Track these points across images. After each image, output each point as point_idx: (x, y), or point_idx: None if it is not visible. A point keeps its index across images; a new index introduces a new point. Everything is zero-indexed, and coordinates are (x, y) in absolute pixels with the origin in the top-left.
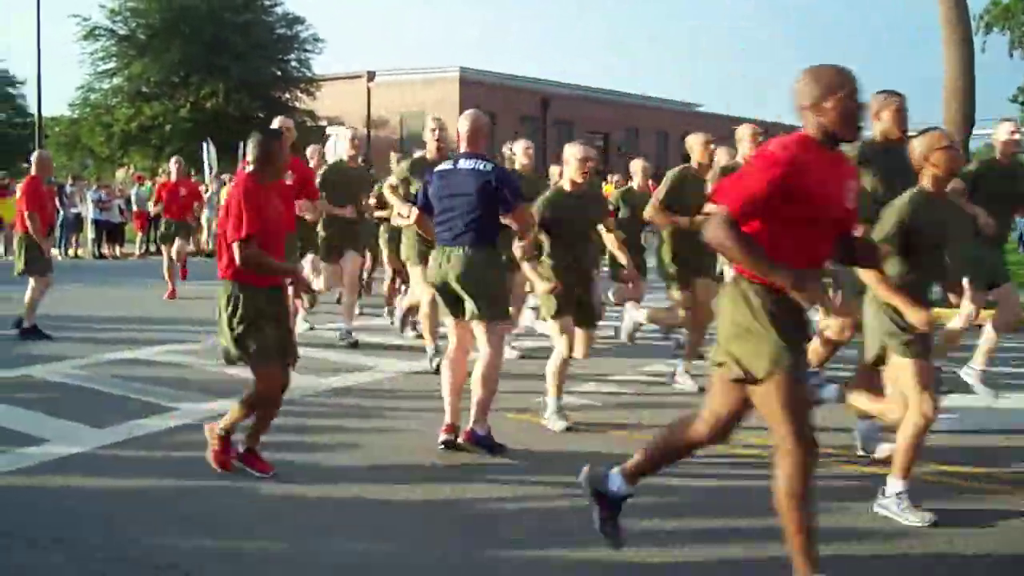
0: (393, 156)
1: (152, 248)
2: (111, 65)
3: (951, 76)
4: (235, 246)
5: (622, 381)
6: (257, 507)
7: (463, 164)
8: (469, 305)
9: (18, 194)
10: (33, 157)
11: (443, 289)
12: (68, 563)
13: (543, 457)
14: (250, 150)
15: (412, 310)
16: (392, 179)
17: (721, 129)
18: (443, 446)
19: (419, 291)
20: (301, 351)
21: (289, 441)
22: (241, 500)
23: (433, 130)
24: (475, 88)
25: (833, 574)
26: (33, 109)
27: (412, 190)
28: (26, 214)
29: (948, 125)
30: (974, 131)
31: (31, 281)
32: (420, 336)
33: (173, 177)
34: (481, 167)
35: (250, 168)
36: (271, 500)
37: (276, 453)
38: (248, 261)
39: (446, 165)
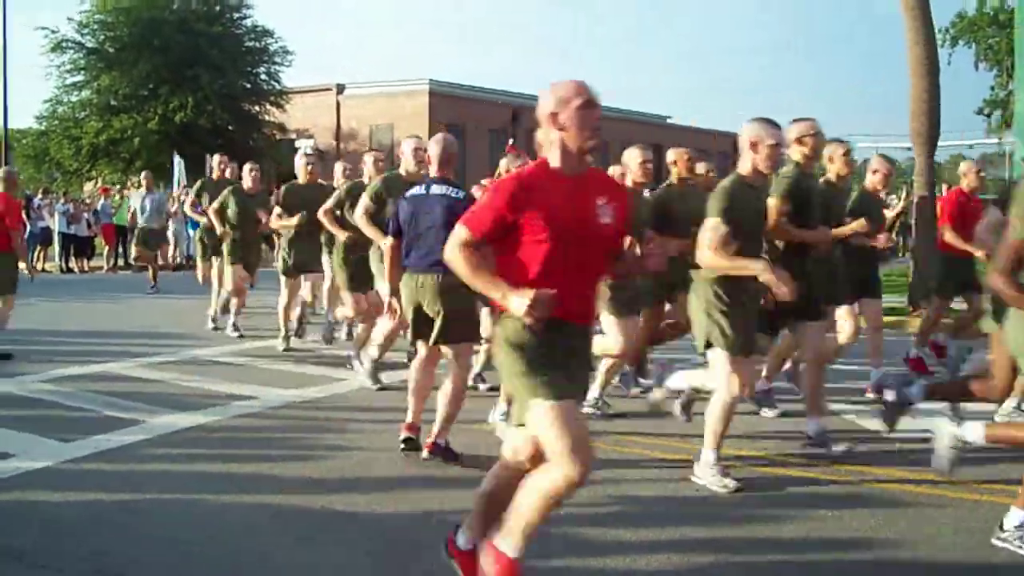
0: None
1: (120, 262)
2: (79, 78)
3: (916, 90)
4: None
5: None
6: (225, 520)
7: (435, 189)
8: (438, 331)
9: None
10: (0, 174)
11: (416, 313)
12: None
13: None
14: None
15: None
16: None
17: (691, 142)
18: (404, 444)
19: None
20: (269, 364)
21: (256, 453)
22: (208, 514)
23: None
24: (445, 100)
25: None
26: None
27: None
28: (12, 233)
29: (914, 138)
30: (939, 143)
31: None
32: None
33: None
34: (452, 193)
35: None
36: (239, 513)
37: (245, 465)
38: None
39: (418, 190)
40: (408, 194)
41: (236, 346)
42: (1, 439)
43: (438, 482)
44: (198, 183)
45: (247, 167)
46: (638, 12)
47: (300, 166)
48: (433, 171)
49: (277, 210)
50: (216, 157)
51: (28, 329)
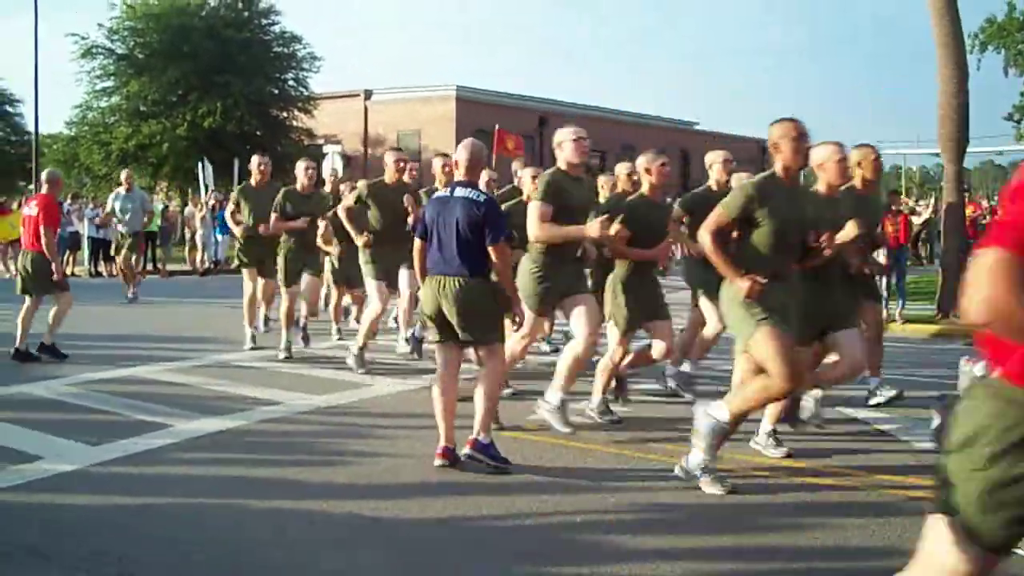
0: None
1: (149, 266)
2: (109, 84)
3: (946, 95)
4: None
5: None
6: (250, 525)
7: (459, 192)
8: (464, 333)
9: (32, 211)
10: (45, 175)
11: (437, 316)
12: None
13: (534, 474)
14: None
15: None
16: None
17: (717, 148)
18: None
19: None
20: (294, 369)
21: (282, 459)
22: (233, 518)
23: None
24: (471, 106)
25: None
26: (30, 127)
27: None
28: (42, 230)
29: (942, 144)
30: (968, 149)
31: (58, 298)
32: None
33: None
34: (474, 197)
35: None
36: (264, 518)
37: (270, 470)
38: None
39: (443, 193)
40: (434, 196)
41: (263, 351)
42: (29, 442)
43: (464, 488)
44: (237, 189)
45: (302, 164)
46: (642, 13)
47: (389, 163)
48: (460, 175)
49: (343, 206)
50: (256, 158)
51: (57, 332)
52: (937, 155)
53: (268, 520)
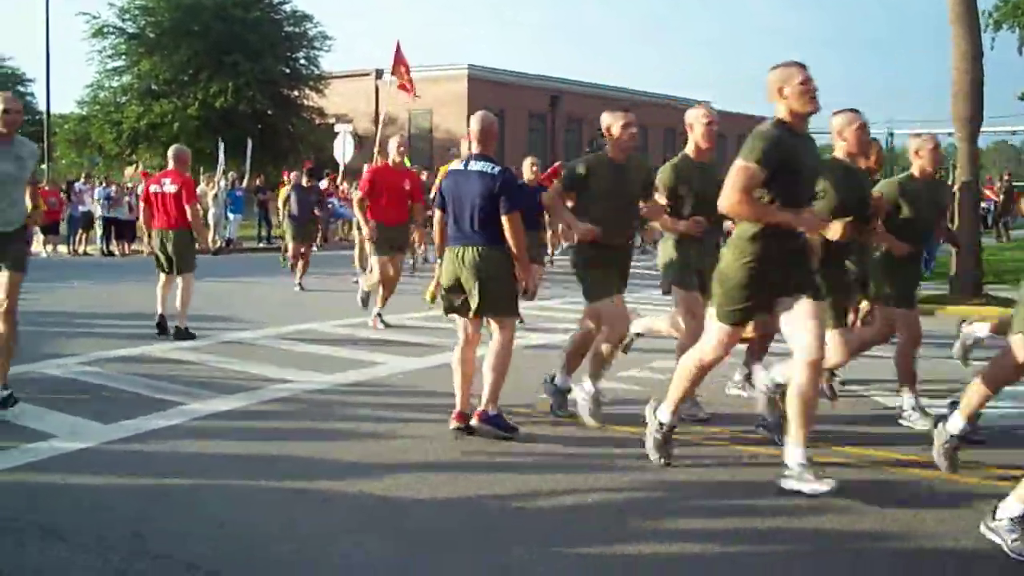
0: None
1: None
2: (120, 63)
3: (960, 73)
4: None
5: (626, 378)
6: (262, 504)
7: (473, 165)
8: (478, 303)
9: (168, 189)
10: (173, 152)
11: (454, 287)
12: (81, 557)
13: (546, 453)
14: None
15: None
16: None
17: (731, 126)
18: (456, 433)
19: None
20: (305, 348)
21: (292, 438)
22: (246, 497)
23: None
24: (483, 85)
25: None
26: (42, 107)
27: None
28: (188, 209)
29: (956, 122)
30: (982, 128)
31: (179, 280)
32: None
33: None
34: (488, 169)
35: None
36: (276, 497)
37: (282, 448)
38: None
39: (458, 165)
40: (450, 169)
41: (276, 329)
42: (42, 420)
43: (475, 468)
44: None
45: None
46: None
47: (617, 125)
48: (473, 148)
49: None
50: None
51: (69, 311)
52: (950, 135)
53: (278, 499)
